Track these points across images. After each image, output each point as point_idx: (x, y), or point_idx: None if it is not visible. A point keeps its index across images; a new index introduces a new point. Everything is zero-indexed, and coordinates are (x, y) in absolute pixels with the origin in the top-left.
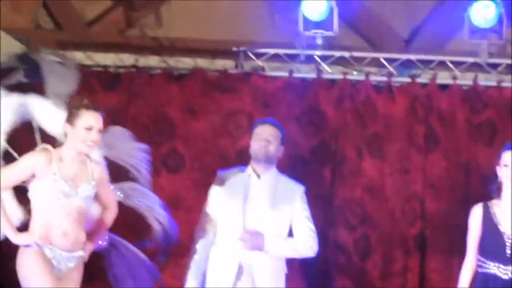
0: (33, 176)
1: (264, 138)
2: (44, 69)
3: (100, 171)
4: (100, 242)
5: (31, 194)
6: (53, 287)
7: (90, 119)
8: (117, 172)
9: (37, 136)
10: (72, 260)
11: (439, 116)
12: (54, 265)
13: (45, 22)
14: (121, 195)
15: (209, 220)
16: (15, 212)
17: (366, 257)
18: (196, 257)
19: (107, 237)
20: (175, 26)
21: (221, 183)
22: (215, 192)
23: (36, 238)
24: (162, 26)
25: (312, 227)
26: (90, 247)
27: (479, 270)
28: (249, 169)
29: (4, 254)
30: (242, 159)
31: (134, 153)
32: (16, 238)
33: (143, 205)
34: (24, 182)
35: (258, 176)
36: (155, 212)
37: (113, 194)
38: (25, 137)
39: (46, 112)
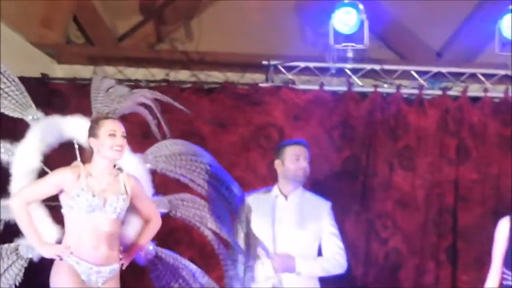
0: (62, 191)
1: (303, 159)
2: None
3: (133, 183)
4: (143, 255)
5: (63, 210)
6: None
7: (112, 125)
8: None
9: (77, 154)
10: (103, 275)
11: (470, 128)
12: (85, 280)
13: (76, 37)
14: (169, 207)
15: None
16: (50, 230)
17: (397, 269)
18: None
19: (152, 250)
20: (205, 40)
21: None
22: (244, 216)
23: (65, 251)
24: (192, 40)
25: (340, 244)
26: (127, 260)
27: (504, 283)
28: (275, 190)
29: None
30: (272, 172)
31: (188, 164)
32: (45, 250)
33: (194, 215)
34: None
35: (285, 197)
36: (207, 221)
37: (152, 207)
38: (63, 156)
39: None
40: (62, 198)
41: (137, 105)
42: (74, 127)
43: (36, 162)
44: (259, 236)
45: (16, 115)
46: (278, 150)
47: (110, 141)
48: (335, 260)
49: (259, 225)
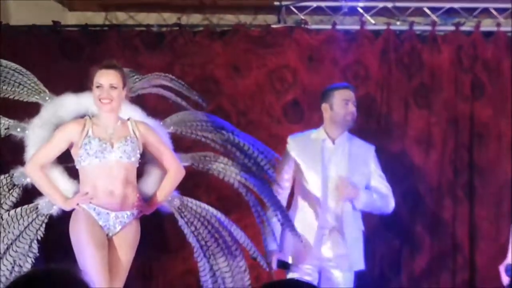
0: (72, 145)
1: (352, 103)
2: None
3: (143, 128)
4: (168, 204)
5: (75, 163)
6: (100, 247)
7: (100, 77)
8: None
9: None
10: (121, 220)
11: (484, 64)
12: (102, 226)
13: None
14: (191, 161)
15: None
16: (67, 186)
17: (414, 208)
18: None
19: (177, 199)
20: None
21: (295, 148)
22: (290, 158)
23: (84, 198)
24: None
25: (388, 185)
26: (148, 210)
27: None
28: (321, 133)
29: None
30: (288, 114)
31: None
32: (64, 204)
33: (218, 167)
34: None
35: (333, 140)
36: (232, 172)
37: (171, 156)
38: None
39: None
40: (72, 152)
41: (153, 87)
42: (89, 102)
43: (48, 132)
44: (309, 181)
45: (31, 99)
46: (326, 94)
47: (97, 93)
48: (388, 199)
49: (307, 168)
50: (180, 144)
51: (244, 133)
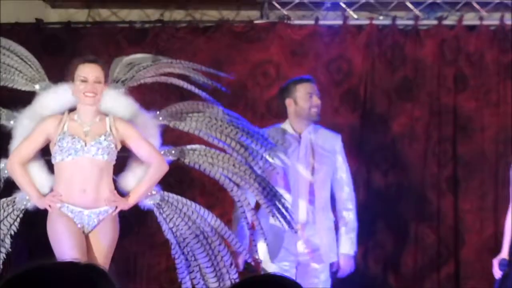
0: (49, 141)
1: (315, 95)
2: None
3: (122, 125)
4: (148, 201)
5: (52, 159)
6: (76, 244)
7: (85, 71)
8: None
9: None
10: (94, 217)
11: (468, 57)
12: (78, 224)
13: None
14: (178, 156)
15: None
16: (44, 181)
17: (399, 200)
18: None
19: (156, 194)
20: None
21: None
22: None
23: (54, 199)
24: None
25: (350, 188)
26: (125, 205)
27: None
28: (287, 127)
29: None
30: (271, 110)
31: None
32: (39, 201)
33: (205, 162)
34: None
35: (299, 135)
36: (220, 168)
37: (153, 151)
38: None
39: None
40: (50, 147)
41: (160, 76)
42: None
43: (35, 124)
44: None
45: (27, 88)
46: (287, 89)
47: (81, 86)
48: (348, 206)
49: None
50: (171, 136)
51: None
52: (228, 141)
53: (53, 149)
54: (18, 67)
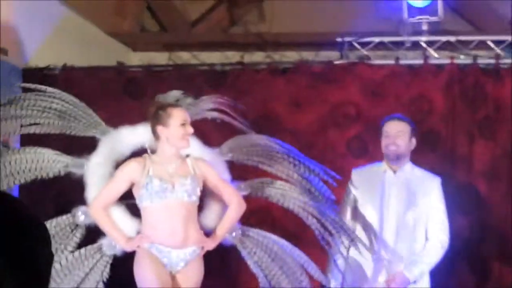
0: (133, 184)
1: (392, 135)
2: None
3: (202, 165)
4: (228, 237)
5: (137, 202)
6: (164, 285)
7: (182, 114)
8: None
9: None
10: (183, 257)
11: None
12: (166, 264)
13: (150, 24)
14: (250, 190)
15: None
16: (129, 225)
17: (482, 242)
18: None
19: (238, 229)
20: (278, 20)
21: (356, 179)
22: (350, 190)
23: (144, 239)
24: (265, 21)
25: (444, 218)
26: (211, 245)
27: None
28: (383, 165)
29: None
30: (351, 150)
31: (265, 152)
32: (126, 245)
33: (276, 194)
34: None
35: (394, 172)
36: (291, 198)
37: (231, 189)
38: None
39: None
40: (134, 191)
41: (207, 111)
42: (145, 134)
43: (108, 169)
44: (367, 211)
45: (87, 134)
46: (381, 127)
47: (181, 131)
48: (437, 243)
49: (365, 200)
50: (237, 171)
51: (302, 154)
52: (290, 174)
53: (139, 193)
54: (72, 113)
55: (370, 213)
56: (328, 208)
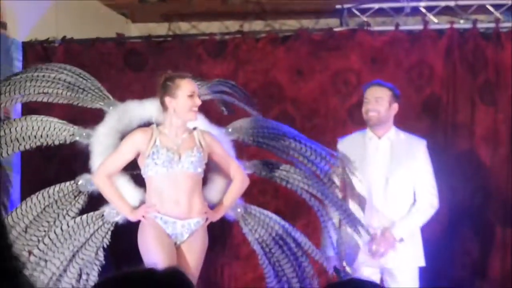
0: (138, 154)
1: (372, 101)
2: None
3: (208, 139)
4: (231, 213)
5: (142, 172)
6: (169, 255)
7: (190, 85)
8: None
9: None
10: (188, 227)
11: None
12: (170, 234)
13: None
14: (253, 169)
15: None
16: (134, 194)
17: (485, 206)
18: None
19: (240, 206)
20: None
21: (341, 149)
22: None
23: (150, 209)
24: None
25: (433, 182)
26: (214, 217)
27: None
28: (368, 132)
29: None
30: (353, 117)
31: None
32: (130, 214)
33: (280, 175)
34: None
35: (379, 137)
36: (294, 180)
37: (235, 165)
38: None
39: None
40: (139, 161)
41: (215, 93)
42: (152, 109)
43: (113, 140)
44: (354, 182)
45: (95, 105)
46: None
47: (189, 102)
48: (426, 200)
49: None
50: (242, 151)
51: (306, 137)
52: (296, 156)
53: (145, 163)
54: (80, 85)
55: (358, 180)
56: (329, 192)
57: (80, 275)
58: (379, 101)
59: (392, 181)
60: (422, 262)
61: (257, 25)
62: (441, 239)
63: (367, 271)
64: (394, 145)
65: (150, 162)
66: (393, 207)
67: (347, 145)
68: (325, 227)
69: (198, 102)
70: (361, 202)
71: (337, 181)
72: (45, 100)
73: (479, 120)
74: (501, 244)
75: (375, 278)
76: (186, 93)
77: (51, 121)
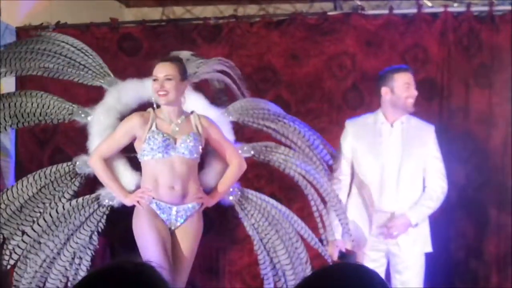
0: (135, 138)
1: (413, 86)
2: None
3: (205, 123)
4: (230, 198)
5: (138, 156)
6: (163, 241)
7: (157, 70)
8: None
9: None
10: (182, 213)
11: None
12: (164, 219)
13: None
14: (252, 152)
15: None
16: (130, 178)
17: (480, 189)
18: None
19: (237, 191)
20: None
21: (352, 131)
22: (348, 142)
23: (144, 194)
24: None
25: (442, 168)
26: (210, 202)
27: None
28: (380, 116)
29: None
30: (348, 100)
31: (270, 117)
32: (125, 199)
33: (278, 158)
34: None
35: (391, 124)
36: (292, 164)
37: (232, 149)
38: None
39: None
40: (136, 144)
41: (215, 72)
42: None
43: (112, 120)
44: (366, 165)
45: (94, 83)
46: (386, 77)
47: (154, 85)
48: (437, 189)
49: (364, 152)
50: (241, 133)
51: (304, 123)
52: (294, 140)
53: (141, 147)
54: (82, 61)
55: (371, 163)
56: (325, 181)
57: (73, 259)
58: (410, 87)
59: (404, 166)
60: (429, 248)
61: (252, 9)
62: (436, 222)
63: (373, 255)
64: (405, 131)
65: (146, 147)
66: (404, 192)
67: (358, 128)
68: (327, 212)
69: (160, 85)
70: (370, 186)
71: (345, 163)
72: (45, 75)
73: (474, 102)
74: (496, 226)
75: (382, 262)
76: (152, 77)
77: (50, 98)
